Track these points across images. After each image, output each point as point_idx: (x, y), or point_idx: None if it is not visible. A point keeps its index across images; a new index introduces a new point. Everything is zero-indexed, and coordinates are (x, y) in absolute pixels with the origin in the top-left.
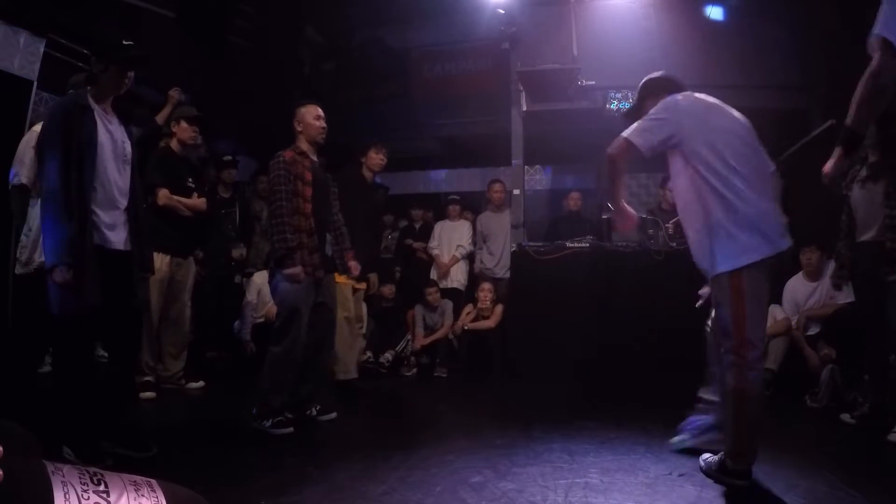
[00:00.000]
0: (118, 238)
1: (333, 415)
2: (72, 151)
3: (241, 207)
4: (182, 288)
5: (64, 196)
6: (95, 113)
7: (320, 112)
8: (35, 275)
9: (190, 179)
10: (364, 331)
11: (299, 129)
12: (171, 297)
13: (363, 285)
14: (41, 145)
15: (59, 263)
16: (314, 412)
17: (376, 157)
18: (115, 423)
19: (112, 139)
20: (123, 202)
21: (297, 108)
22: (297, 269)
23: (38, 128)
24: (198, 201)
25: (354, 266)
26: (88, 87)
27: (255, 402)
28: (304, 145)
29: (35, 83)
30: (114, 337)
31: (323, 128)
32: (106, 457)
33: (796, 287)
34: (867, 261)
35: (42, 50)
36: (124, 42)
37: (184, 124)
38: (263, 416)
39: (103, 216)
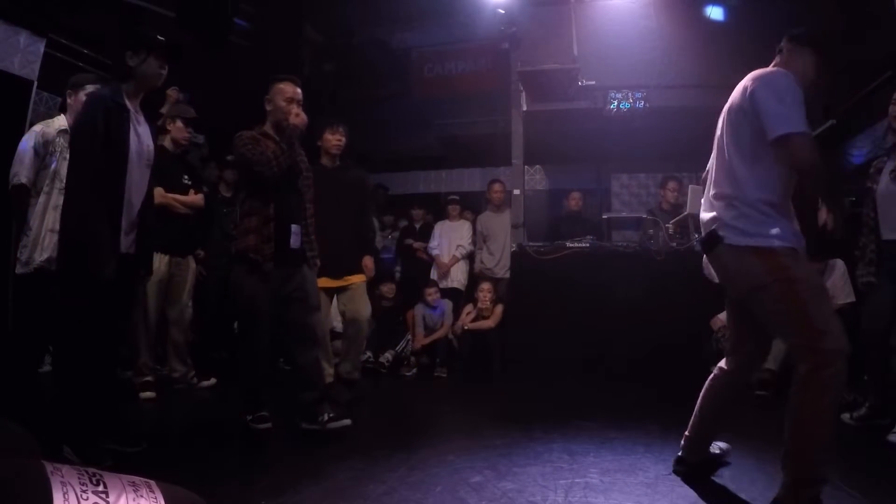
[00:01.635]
0: (128, 241)
1: (347, 422)
2: (106, 150)
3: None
4: (182, 288)
5: (97, 195)
6: (130, 114)
7: (296, 93)
8: (35, 274)
9: (186, 177)
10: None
11: (268, 108)
12: (170, 298)
13: (351, 280)
14: (76, 134)
15: (102, 260)
16: (326, 418)
17: (332, 139)
18: (105, 417)
19: (139, 141)
20: (138, 205)
21: (271, 84)
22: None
23: (37, 128)
24: (195, 198)
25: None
26: (122, 85)
27: (240, 398)
28: (269, 127)
29: (35, 83)
30: (105, 335)
31: (295, 114)
32: (106, 457)
33: None
34: (892, 260)
35: (42, 50)
36: (158, 36)
37: (179, 123)
38: (245, 411)
39: (123, 218)
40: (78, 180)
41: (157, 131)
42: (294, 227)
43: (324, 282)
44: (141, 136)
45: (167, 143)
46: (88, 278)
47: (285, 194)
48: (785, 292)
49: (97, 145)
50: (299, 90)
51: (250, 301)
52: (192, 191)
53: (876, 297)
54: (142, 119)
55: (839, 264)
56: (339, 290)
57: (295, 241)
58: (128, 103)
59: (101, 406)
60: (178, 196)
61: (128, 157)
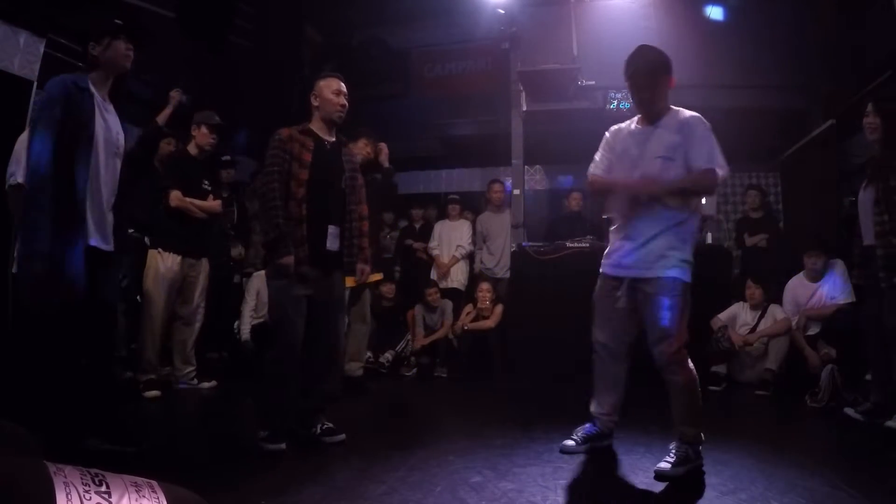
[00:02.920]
0: (101, 233)
1: (342, 436)
2: (65, 134)
3: (239, 207)
4: (194, 289)
5: (53, 182)
6: (95, 98)
7: (342, 87)
8: None
9: (206, 182)
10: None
11: (315, 103)
12: (182, 298)
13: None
14: (32, 124)
15: (43, 255)
16: (319, 430)
17: (364, 150)
18: (103, 418)
19: (107, 128)
20: (109, 196)
21: (315, 81)
22: (290, 259)
23: None
24: (213, 203)
25: (361, 269)
26: (89, 74)
27: (256, 413)
28: (316, 124)
29: (35, 83)
30: (90, 334)
31: (342, 105)
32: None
33: (797, 287)
34: (871, 264)
35: (42, 50)
36: (116, 20)
37: (204, 129)
38: (261, 427)
39: (88, 209)
40: (33, 171)
41: (162, 134)
42: (331, 229)
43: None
44: (109, 123)
45: (191, 148)
46: (34, 277)
47: (323, 194)
48: None
49: (53, 129)
50: (344, 85)
51: (285, 309)
52: (210, 196)
53: (869, 299)
54: (110, 108)
55: (839, 264)
56: (352, 290)
57: (332, 244)
58: (93, 90)
59: (93, 405)
60: (195, 200)
61: (92, 143)
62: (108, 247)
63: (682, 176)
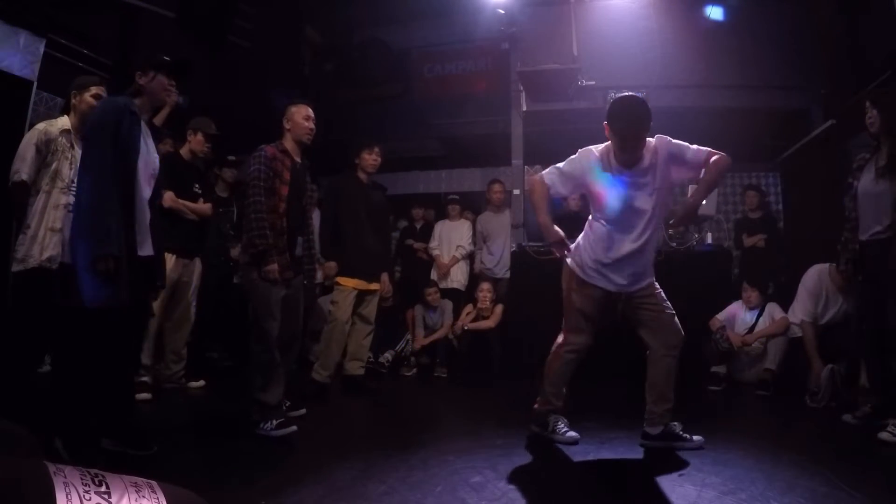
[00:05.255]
0: (144, 244)
1: (303, 411)
2: (118, 149)
3: (239, 207)
4: (187, 289)
5: (110, 189)
6: (142, 123)
7: (311, 113)
8: (32, 272)
9: (197, 185)
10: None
11: (287, 126)
12: (175, 298)
13: (376, 286)
14: (92, 133)
15: (103, 253)
16: (284, 407)
17: (369, 158)
18: (119, 421)
19: (148, 152)
20: (147, 214)
21: (287, 107)
22: (275, 267)
23: (40, 126)
24: (203, 206)
25: (329, 267)
26: (135, 100)
27: (252, 407)
28: (289, 144)
29: (35, 83)
30: (121, 338)
31: (311, 129)
32: (99, 458)
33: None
34: (871, 260)
35: (42, 50)
36: (164, 57)
37: (200, 136)
38: (264, 419)
39: (135, 223)
40: (91, 178)
41: (160, 135)
42: (300, 239)
43: (355, 283)
44: (149, 147)
45: (184, 151)
46: (106, 278)
47: (295, 208)
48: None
49: (109, 142)
50: (312, 111)
51: (270, 306)
52: (201, 199)
53: (862, 300)
54: (149, 135)
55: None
56: (362, 293)
57: (299, 251)
58: (140, 114)
59: (111, 408)
60: (186, 203)
61: (137, 161)
62: (148, 253)
63: (666, 199)
